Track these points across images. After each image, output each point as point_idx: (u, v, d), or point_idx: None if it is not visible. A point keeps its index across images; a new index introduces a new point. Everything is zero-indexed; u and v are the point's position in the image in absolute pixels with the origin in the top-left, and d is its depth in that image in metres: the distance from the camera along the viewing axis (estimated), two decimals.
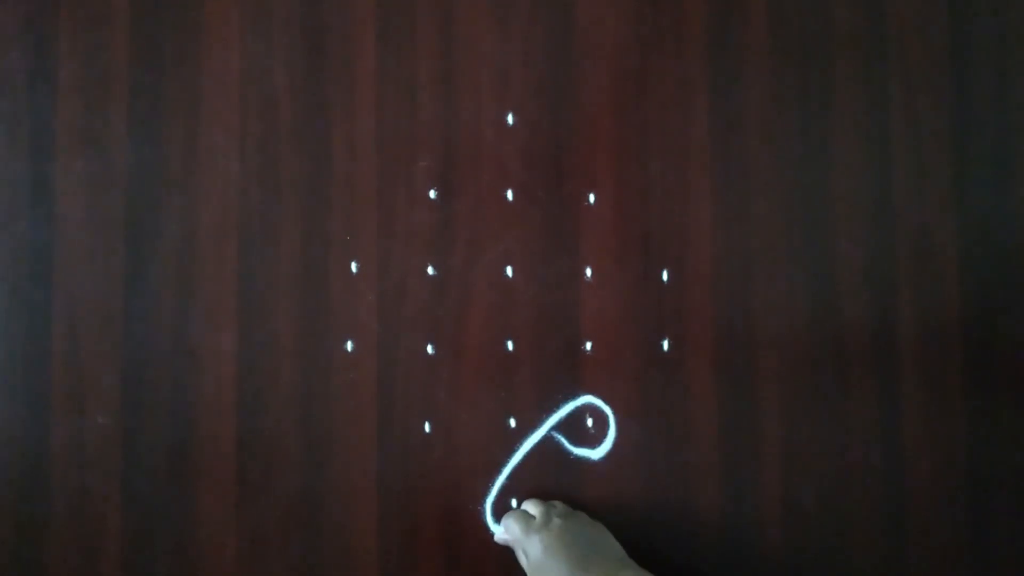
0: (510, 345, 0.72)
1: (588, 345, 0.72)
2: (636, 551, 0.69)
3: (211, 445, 0.72)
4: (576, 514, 0.67)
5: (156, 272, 0.73)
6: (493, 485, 0.72)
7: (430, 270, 0.73)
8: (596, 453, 0.71)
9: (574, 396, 0.72)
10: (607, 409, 0.72)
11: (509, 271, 0.73)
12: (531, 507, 0.68)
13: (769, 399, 0.71)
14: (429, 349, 0.72)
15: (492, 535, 0.71)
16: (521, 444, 0.72)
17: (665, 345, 0.72)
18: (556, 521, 0.65)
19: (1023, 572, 0.70)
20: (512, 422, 0.72)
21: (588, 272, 0.73)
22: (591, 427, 0.72)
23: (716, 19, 0.73)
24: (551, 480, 0.71)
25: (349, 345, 0.72)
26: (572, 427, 0.72)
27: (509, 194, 0.73)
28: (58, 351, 0.72)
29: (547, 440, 0.72)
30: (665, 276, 0.72)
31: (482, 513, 0.71)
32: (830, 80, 0.73)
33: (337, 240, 0.73)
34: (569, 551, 0.63)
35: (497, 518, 0.71)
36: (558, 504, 0.68)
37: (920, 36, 0.73)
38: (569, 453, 0.72)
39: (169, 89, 0.74)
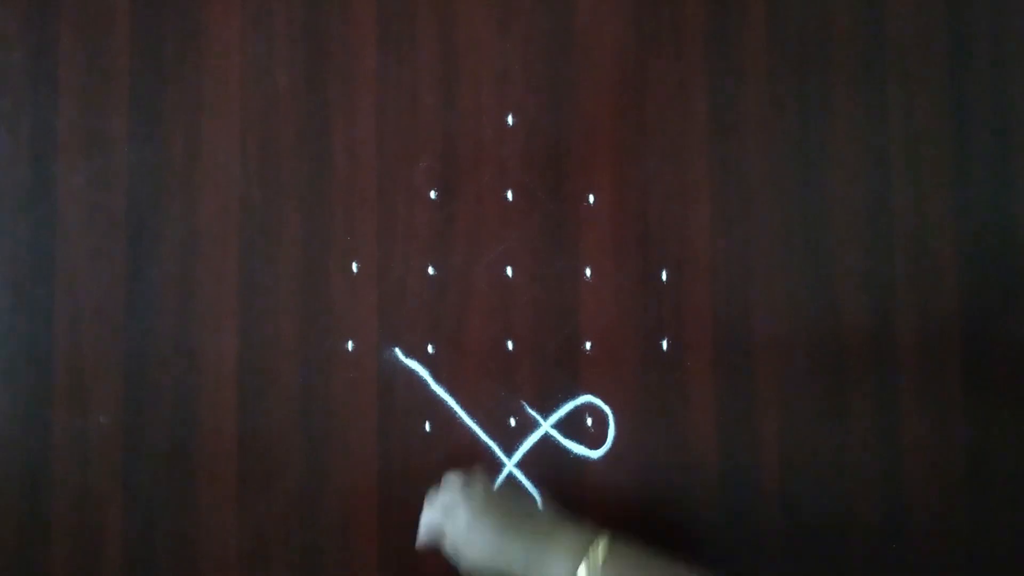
0: (510, 345, 0.72)
1: (587, 345, 0.72)
2: None
3: (212, 444, 0.72)
4: (496, 491, 0.62)
5: (157, 272, 0.73)
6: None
7: (430, 270, 0.73)
8: (595, 452, 0.71)
9: (574, 396, 0.72)
10: (606, 408, 0.72)
11: (509, 271, 0.73)
12: (444, 493, 0.62)
13: (768, 398, 0.71)
14: (429, 349, 0.72)
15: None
16: (521, 444, 0.72)
17: (664, 345, 0.72)
18: (478, 489, 0.60)
19: (1023, 572, 0.70)
20: (512, 421, 0.72)
21: (588, 272, 0.73)
22: (591, 426, 0.72)
23: (715, 20, 0.73)
24: (551, 479, 0.71)
25: (349, 345, 0.72)
26: (572, 426, 0.72)
27: (509, 194, 0.73)
28: (59, 350, 0.72)
29: (547, 439, 0.72)
30: (664, 276, 0.72)
31: None
32: (829, 81, 0.73)
33: (337, 240, 0.73)
34: (496, 516, 0.58)
35: None
36: (477, 477, 0.63)
37: (919, 37, 0.73)
38: (569, 452, 0.72)
39: (170, 90, 0.74)
